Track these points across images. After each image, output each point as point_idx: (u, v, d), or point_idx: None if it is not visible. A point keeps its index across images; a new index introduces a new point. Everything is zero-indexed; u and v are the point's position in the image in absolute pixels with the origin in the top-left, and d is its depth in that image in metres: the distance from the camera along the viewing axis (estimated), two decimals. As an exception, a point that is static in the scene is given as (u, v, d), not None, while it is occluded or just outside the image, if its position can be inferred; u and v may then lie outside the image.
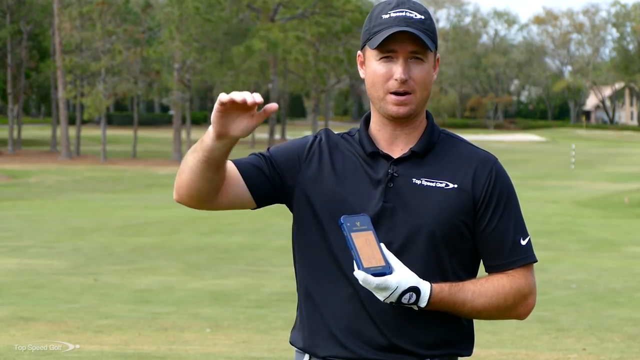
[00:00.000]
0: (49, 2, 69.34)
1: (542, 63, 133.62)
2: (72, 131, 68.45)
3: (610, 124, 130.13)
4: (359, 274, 2.74)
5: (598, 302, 12.78)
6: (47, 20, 70.44)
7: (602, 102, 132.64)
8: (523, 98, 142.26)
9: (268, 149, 3.03)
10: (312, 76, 73.32)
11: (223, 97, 2.68)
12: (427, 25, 2.91)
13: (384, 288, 2.74)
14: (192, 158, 2.80)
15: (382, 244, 2.78)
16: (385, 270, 2.75)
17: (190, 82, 62.36)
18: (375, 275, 2.74)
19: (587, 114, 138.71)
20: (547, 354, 9.25)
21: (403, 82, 2.87)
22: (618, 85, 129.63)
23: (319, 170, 2.96)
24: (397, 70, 2.87)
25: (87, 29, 60.68)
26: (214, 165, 2.79)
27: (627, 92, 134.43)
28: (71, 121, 72.81)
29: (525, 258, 2.94)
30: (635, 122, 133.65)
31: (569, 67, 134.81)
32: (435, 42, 2.92)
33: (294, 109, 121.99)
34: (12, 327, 10.35)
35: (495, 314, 2.91)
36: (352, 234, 2.75)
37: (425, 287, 2.80)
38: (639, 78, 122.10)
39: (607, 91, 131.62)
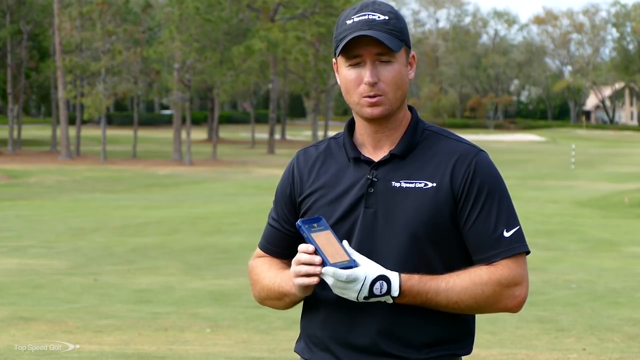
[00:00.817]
0: (49, 2, 69.31)
1: (542, 63, 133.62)
2: (72, 131, 68.45)
3: (610, 124, 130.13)
4: (327, 270, 2.76)
5: (598, 302, 12.78)
6: (47, 20, 70.41)
7: (602, 102, 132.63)
8: (523, 98, 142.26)
9: (276, 209, 3.08)
10: (312, 76, 73.31)
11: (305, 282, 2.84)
12: (392, 25, 2.89)
13: (353, 279, 2.76)
14: (281, 303, 3.01)
15: (344, 242, 2.83)
16: (351, 264, 2.78)
17: (190, 82, 62.33)
18: (343, 269, 2.78)
19: (587, 114, 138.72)
20: (547, 354, 9.25)
21: (372, 85, 2.88)
22: (618, 85, 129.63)
23: (304, 196, 3.01)
24: (366, 74, 2.88)
25: (87, 29, 60.65)
26: (302, 300, 3.00)
27: (627, 92, 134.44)
28: (71, 121, 72.82)
29: (508, 250, 2.88)
30: (635, 122, 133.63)
31: (569, 67, 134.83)
32: (404, 40, 2.91)
33: (294, 109, 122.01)
34: (12, 327, 10.35)
35: (475, 305, 2.86)
36: (313, 234, 2.80)
37: (393, 275, 2.81)
38: (639, 78, 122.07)
39: (607, 91, 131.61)
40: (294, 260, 2.84)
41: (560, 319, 11.40)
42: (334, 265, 2.77)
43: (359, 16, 2.89)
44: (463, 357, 3.01)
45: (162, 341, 9.77)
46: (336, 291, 2.79)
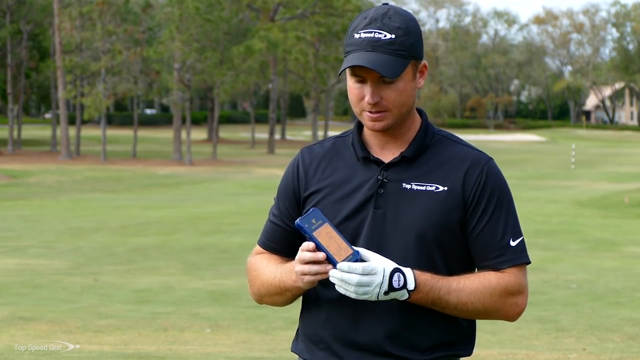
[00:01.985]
0: (49, 2, 69.31)
1: (542, 63, 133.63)
2: (72, 131, 68.45)
3: (610, 124, 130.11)
4: (342, 266, 2.75)
5: (598, 302, 12.78)
6: (47, 20, 70.40)
7: (602, 102, 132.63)
8: (523, 98, 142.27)
9: (278, 205, 3.07)
10: (312, 76, 73.28)
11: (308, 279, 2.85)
12: (399, 44, 2.85)
13: (369, 272, 2.75)
14: (282, 298, 2.99)
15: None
16: (355, 257, 2.78)
17: (190, 82, 62.33)
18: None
19: (587, 114, 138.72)
20: (547, 354, 9.25)
21: (374, 104, 2.87)
22: (618, 85, 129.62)
23: (309, 192, 2.99)
24: (367, 93, 2.87)
25: (87, 29, 60.64)
26: (304, 293, 2.99)
27: (627, 92, 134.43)
28: (71, 121, 72.80)
29: (514, 259, 2.90)
30: (635, 122, 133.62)
31: (569, 67, 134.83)
32: (411, 56, 2.87)
33: (294, 109, 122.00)
34: (12, 327, 10.35)
35: (482, 309, 2.87)
36: (314, 234, 2.79)
37: (406, 269, 2.81)
38: (639, 78, 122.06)
39: (607, 91, 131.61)
40: (297, 260, 2.83)
41: (560, 319, 11.40)
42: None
43: (365, 32, 2.86)
44: (464, 359, 3.03)
45: (162, 341, 9.77)
46: (359, 291, 2.75)
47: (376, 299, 2.78)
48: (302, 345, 3.03)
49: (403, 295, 2.79)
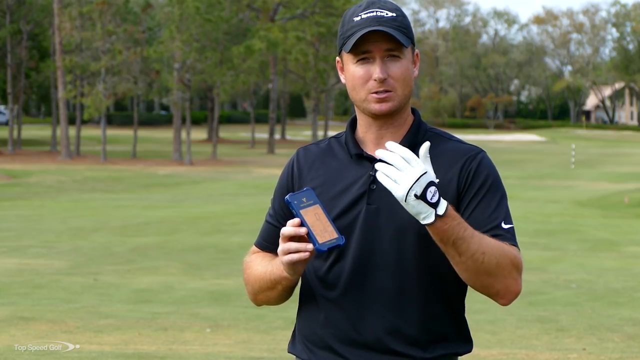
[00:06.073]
0: (49, 2, 69.32)
1: (542, 63, 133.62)
2: (72, 131, 68.45)
3: (610, 124, 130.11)
4: (388, 145, 2.71)
5: (598, 302, 12.78)
6: (47, 20, 70.42)
7: (602, 102, 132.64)
8: (523, 98, 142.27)
9: (273, 205, 3.09)
10: (312, 76, 73.29)
11: (288, 257, 2.80)
12: (400, 22, 2.91)
13: (411, 161, 2.68)
14: (274, 293, 2.98)
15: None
16: (339, 242, 2.75)
17: (190, 82, 62.33)
18: (330, 248, 2.74)
19: (587, 114, 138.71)
20: (547, 354, 9.25)
21: (382, 81, 2.88)
22: (618, 85, 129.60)
23: None
24: (375, 70, 2.89)
25: (87, 29, 60.64)
26: (294, 285, 2.98)
27: (627, 92, 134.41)
28: (71, 121, 72.79)
29: (509, 238, 2.87)
30: (635, 122, 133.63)
31: (569, 67, 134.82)
32: (410, 37, 2.93)
33: (294, 109, 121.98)
34: (12, 327, 10.35)
35: (494, 267, 2.78)
36: (302, 212, 2.76)
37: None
38: (639, 78, 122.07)
39: (607, 91, 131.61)
40: (280, 236, 2.80)
41: (560, 319, 11.40)
42: (322, 245, 2.73)
43: (366, 13, 2.91)
44: (463, 357, 3.03)
45: (162, 341, 9.78)
46: (395, 174, 2.67)
47: (403, 198, 2.68)
48: (299, 347, 3.02)
49: (429, 217, 2.71)
